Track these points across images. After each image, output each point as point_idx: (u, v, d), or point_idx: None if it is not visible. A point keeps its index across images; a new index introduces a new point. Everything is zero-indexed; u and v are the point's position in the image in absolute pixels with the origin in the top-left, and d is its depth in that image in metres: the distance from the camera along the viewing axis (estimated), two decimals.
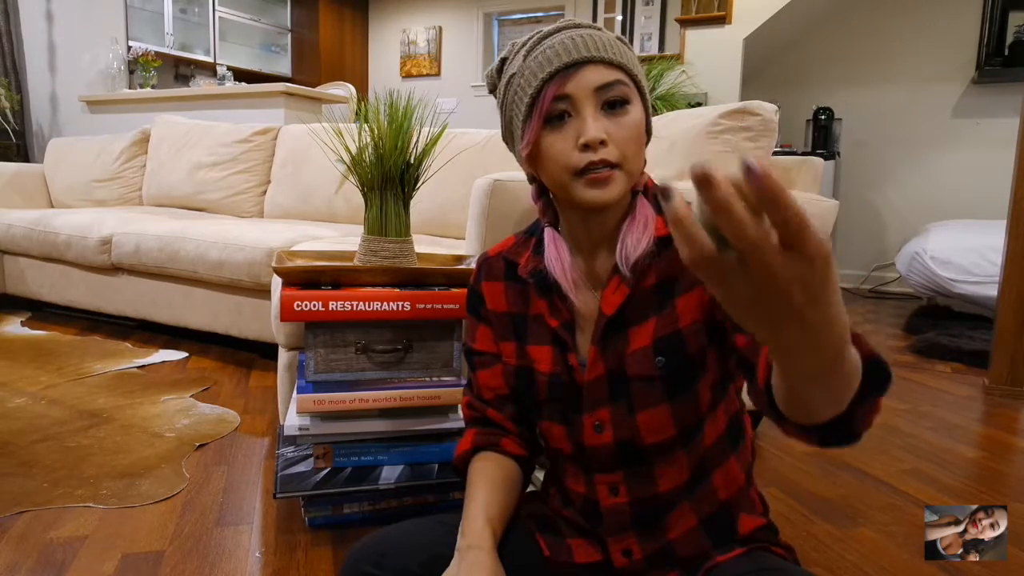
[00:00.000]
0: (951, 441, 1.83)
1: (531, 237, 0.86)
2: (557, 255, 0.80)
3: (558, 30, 0.74)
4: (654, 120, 0.99)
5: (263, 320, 2.25)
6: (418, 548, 0.75)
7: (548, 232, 0.82)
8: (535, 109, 0.72)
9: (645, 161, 0.77)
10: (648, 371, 0.75)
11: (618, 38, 0.75)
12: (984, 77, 4.32)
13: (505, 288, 0.86)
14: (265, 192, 3.02)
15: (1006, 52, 4.28)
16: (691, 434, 0.77)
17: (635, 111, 0.72)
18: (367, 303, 1.18)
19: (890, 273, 4.60)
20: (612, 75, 0.71)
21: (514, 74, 0.76)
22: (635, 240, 0.75)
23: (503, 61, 0.79)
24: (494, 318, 0.87)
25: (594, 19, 5.74)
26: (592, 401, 0.78)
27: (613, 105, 0.71)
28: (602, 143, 0.70)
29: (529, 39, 0.76)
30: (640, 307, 0.77)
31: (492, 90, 0.82)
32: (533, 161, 0.76)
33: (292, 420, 1.23)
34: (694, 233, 0.36)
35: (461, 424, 1.25)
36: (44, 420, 1.77)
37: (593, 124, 0.70)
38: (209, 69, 5.73)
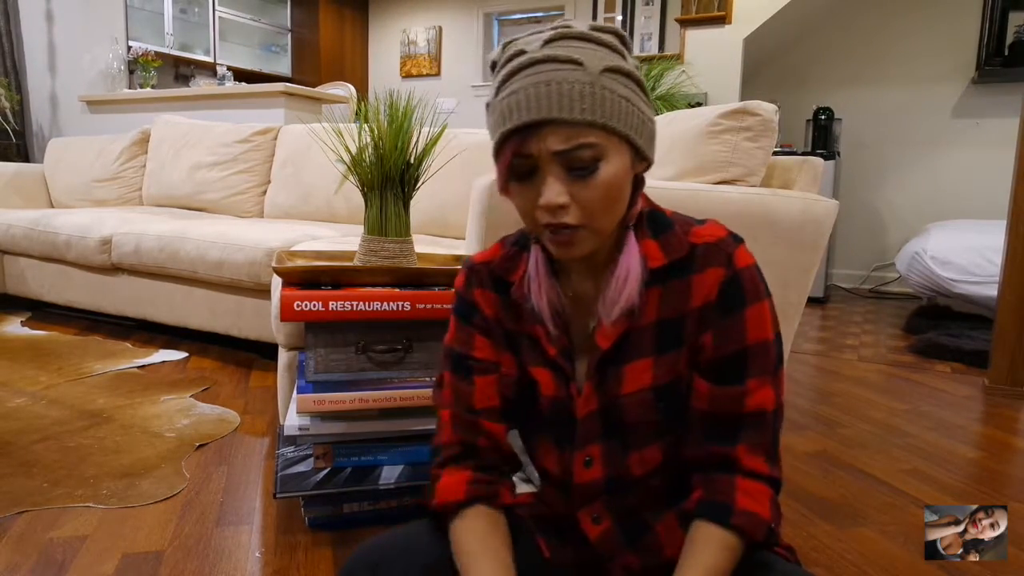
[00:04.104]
0: (951, 441, 1.83)
1: (524, 251, 0.81)
2: (538, 284, 0.76)
3: (531, 63, 0.66)
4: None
5: (263, 320, 2.25)
6: (415, 555, 0.74)
7: (534, 253, 0.78)
8: (499, 160, 0.69)
9: (635, 201, 0.74)
10: (649, 416, 0.74)
11: (606, 70, 0.66)
12: (984, 77, 4.33)
13: (496, 299, 0.82)
14: (265, 192, 3.02)
15: (1006, 52, 4.28)
16: (674, 457, 0.77)
17: (608, 168, 0.66)
18: (367, 303, 1.18)
19: (890, 273, 4.60)
20: (575, 139, 0.64)
21: (489, 104, 0.71)
22: (614, 294, 0.72)
23: (494, 66, 0.74)
24: (492, 325, 0.83)
25: (594, 19, 5.74)
26: (584, 437, 0.76)
27: (578, 170, 0.66)
28: (562, 207, 0.66)
29: (507, 62, 0.69)
30: (637, 343, 0.74)
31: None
32: (507, 197, 0.73)
33: (292, 420, 1.23)
34: None
35: None
36: (44, 420, 1.77)
37: (551, 189, 0.65)
38: (209, 69, 5.73)
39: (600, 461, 0.76)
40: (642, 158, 0.71)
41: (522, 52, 0.68)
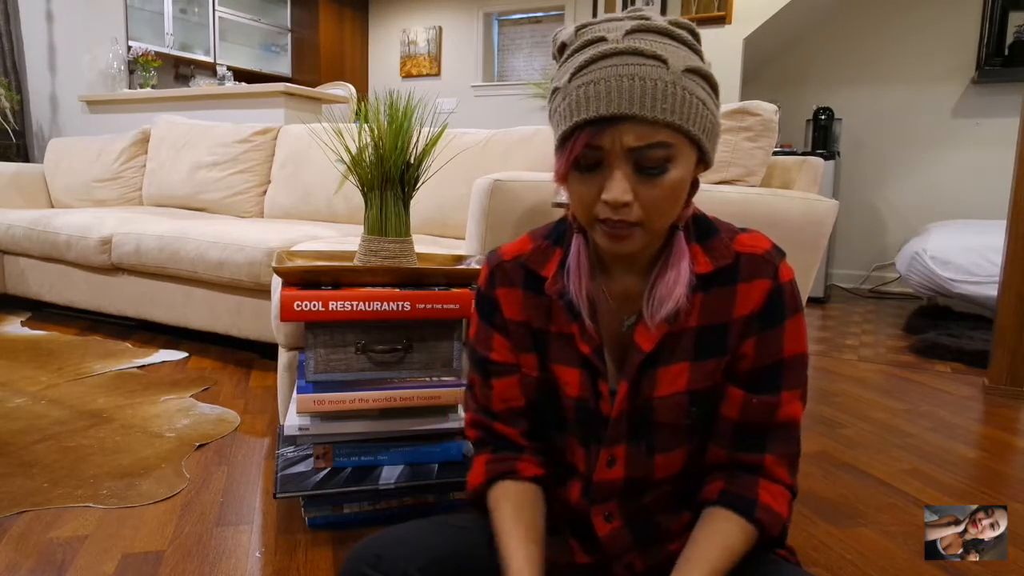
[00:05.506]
0: (951, 441, 1.83)
1: (556, 246, 0.79)
2: (578, 276, 0.75)
3: (614, 53, 0.64)
4: None
5: (263, 320, 2.25)
6: (417, 550, 0.74)
7: (576, 243, 0.76)
8: (566, 148, 0.67)
9: (689, 202, 0.73)
10: (680, 420, 0.74)
11: (687, 70, 0.65)
12: (984, 77, 4.32)
13: (523, 297, 0.80)
14: (265, 192, 3.02)
15: (1006, 52, 4.28)
16: (696, 463, 0.78)
17: (676, 170, 0.65)
18: (367, 303, 1.18)
19: (890, 273, 4.60)
20: (652, 136, 0.63)
21: (558, 88, 0.68)
22: (664, 293, 0.71)
23: (563, 48, 0.71)
24: (512, 327, 0.81)
25: (594, 16, 5.72)
26: (612, 436, 0.76)
27: (648, 169, 0.65)
28: (626, 204, 0.65)
29: (584, 47, 0.67)
30: (676, 346, 0.74)
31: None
32: (562, 185, 0.71)
33: (292, 420, 1.23)
34: None
35: (461, 424, 1.25)
36: (44, 420, 1.77)
37: (619, 185, 0.64)
38: (209, 69, 5.73)
39: (623, 461, 0.76)
40: (704, 161, 0.70)
41: (602, 39, 0.66)
